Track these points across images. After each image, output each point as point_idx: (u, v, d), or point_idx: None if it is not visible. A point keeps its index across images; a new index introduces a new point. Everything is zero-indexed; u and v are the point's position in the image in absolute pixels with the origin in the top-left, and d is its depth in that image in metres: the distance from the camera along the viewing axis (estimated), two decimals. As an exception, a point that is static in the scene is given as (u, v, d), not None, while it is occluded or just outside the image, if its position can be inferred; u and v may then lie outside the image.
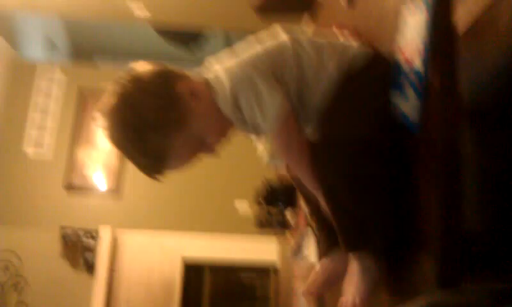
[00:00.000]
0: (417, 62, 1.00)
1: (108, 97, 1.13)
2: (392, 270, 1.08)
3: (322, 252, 1.35)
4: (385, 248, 1.06)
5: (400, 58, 1.08)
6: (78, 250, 5.17)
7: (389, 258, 1.07)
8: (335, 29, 1.43)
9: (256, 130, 1.18)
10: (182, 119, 1.12)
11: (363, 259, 1.09)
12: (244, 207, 5.21)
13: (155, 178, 1.19)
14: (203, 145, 1.19)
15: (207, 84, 1.17)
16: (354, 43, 1.22)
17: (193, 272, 5.33)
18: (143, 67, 1.16)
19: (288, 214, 2.60)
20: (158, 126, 1.11)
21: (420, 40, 0.99)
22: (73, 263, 5.18)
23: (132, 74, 1.14)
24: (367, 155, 1.04)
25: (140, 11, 5.03)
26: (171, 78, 1.15)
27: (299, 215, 2.38)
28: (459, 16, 1.03)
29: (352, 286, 1.10)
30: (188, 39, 6.30)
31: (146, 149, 1.12)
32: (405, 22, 1.07)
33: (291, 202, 2.53)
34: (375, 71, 1.15)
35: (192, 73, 1.21)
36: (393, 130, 1.07)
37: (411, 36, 1.04)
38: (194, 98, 1.14)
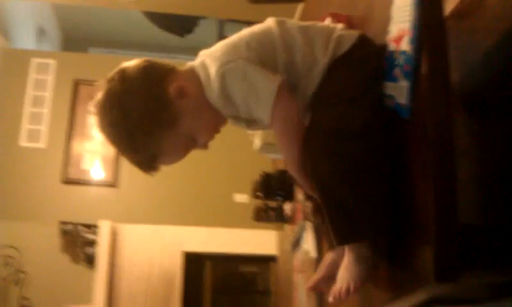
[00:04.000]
0: (404, 43, 0.97)
1: (99, 96, 1.14)
2: (388, 262, 1.05)
3: (329, 246, 1.32)
4: (380, 237, 1.03)
5: (388, 39, 1.05)
6: (78, 244, 5.18)
7: (385, 248, 1.04)
8: (328, 19, 1.40)
9: (249, 118, 1.17)
10: (170, 121, 1.13)
11: (358, 248, 1.05)
12: (243, 200, 5.20)
13: (149, 174, 1.21)
14: (195, 141, 1.20)
15: (196, 77, 1.16)
16: (339, 26, 1.20)
17: (194, 265, 5.34)
18: (132, 66, 1.16)
19: (287, 207, 2.58)
20: (147, 128, 1.12)
21: (408, 21, 0.96)
22: (74, 258, 5.19)
23: (121, 74, 1.14)
24: (358, 141, 1.01)
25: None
26: (159, 77, 1.14)
27: (297, 208, 2.37)
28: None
29: (346, 274, 1.08)
30: (181, 27, 6.27)
31: (137, 149, 1.14)
32: (393, 2, 1.04)
33: (289, 195, 2.51)
34: (361, 52, 1.13)
35: (184, 67, 1.20)
36: (384, 115, 1.04)
37: (398, 16, 1.02)
38: (183, 98, 1.14)
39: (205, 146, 1.22)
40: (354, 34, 1.16)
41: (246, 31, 1.17)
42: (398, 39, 1.01)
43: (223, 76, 1.09)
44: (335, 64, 1.12)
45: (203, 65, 1.15)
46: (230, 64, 1.09)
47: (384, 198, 1.01)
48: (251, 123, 1.20)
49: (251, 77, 1.08)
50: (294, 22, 1.20)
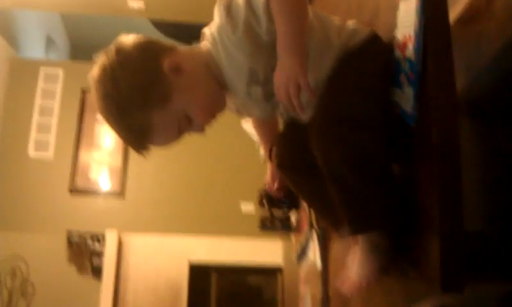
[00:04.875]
0: (409, 50, 0.96)
1: (95, 68, 1.12)
2: (393, 269, 1.05)
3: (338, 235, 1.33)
4: (391, 226, 1.01)
5: (395, 45, 1.05)
6: (84, 254, 5.17)
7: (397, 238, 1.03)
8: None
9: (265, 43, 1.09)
10: (162, 95, 1.10)
11: (372, 237, 1.04)
12: (250, 209, 5.18)
13: (141, 153, 1.17)
14: (190, 122, 1.16)
15: (199, 53, 1.15)
16: (351, 21, 1.19)
17: (200, 275, 5.32)
18: (130, 39, 1.14)
19: (292, 216, 2.56)
20: (138, 102, 1.09)
21: (412, 27, 0.95)
22: (80, 268, 5.17)
23: (117, 47, 1.12)
24: (368, 131, 0.99)
25: (137, 4, 5.08)
26: (155, 52, 1.13)
27: (303, 217, 2.35)
28: (452, 1, 0.98)
29: (357, 264, 1.07)
30: (188, 34, 6.28)
31: (129, 124, 1.11)
32: (398, 9, 1.04)
33: (295, 204, 2.48)
34: (374, 46, 1.13)
35: (186, 47, 1.18)
36: (392, 110, 1.04)
37: (403, 23, 1.01)
38: (178, 73, 1.11)
39: (200, 128, 1.18)
40: (367, 29, 1.16)
41: None
42: (403, 46, 1.01)
43: (229, 4, 1.06)
44: (348, 54, 1.11)
45: (207, 36, 1.14)
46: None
47: (393, 188, 1.00)
48: (268, 80, 1.13)
49: None
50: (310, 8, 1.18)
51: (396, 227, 1.01)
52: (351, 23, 1.18)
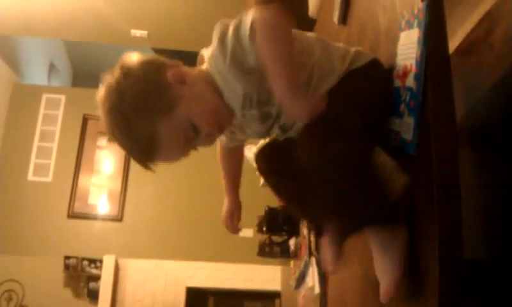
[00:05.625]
0: (410, 79, 0.97)
1: (101, 89, 1.13)
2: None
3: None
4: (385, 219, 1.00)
5: (395, 75, 1.06)
6: (81, 279, 5.14)
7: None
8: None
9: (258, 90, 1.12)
10: (167, 105, 1.10)
11: (378, 236, 1.02)
12: (248, 235, 5.16)
13: (148, 168, 1.16)
14: (197, 133, 1.14)
15: (202, 72, 1.17)
16: (355, 47, 1.22)
17: (197, 299, 5.28)
18: (133, 56, 1.15)
19: (291, 243, 2.55)
20: (144, 111, 1.09)
21: (413, 57, 0.97)
22: (77, 293, 5.14)
23: (122, 63, 1.13)
24: (358, 142, 0.99)
25: (140, 33, 5.12)
26: (159, 65, 1.14)
27: (303, 244, 2.34)
28: (452, 31, 1.00)
29: (381, 271, 1.03)
30: (191, 63, 6.30)
31: (135, 135, 1.10)
32: (398, 40, 1.06)
33: (294, 231, 2.49)
34: (375, 71, 1.15)
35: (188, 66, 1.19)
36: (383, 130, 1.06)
37: (403, 53, 1.02)
38: (183, 83, 1.12)
39: (208, 140, 1.18)
40: (370, 54, 1.19)
41: None
42: (403, 76, 1.02)
43: (223, 32, 1.08)
44: (349, 74, 1.14)
45: (206, 58, 1.16)
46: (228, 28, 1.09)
47: (378, 192, 1.00)
48: (262, 102, 1.15)
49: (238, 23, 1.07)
50: (314, 34, 1.22)
51: (389, 219, 1.00)
52: (354, 48, 1.21)
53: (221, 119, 1.19)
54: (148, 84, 1.10)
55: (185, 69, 1.17)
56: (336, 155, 0.97)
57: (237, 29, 1.06)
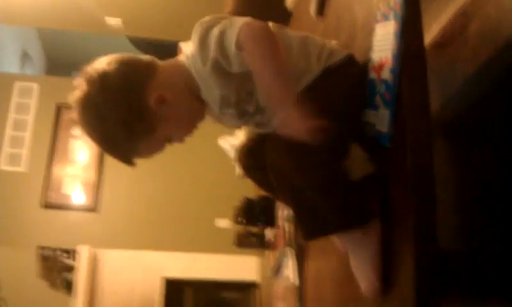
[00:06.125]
0: (385, 72, 0.98)
1: (76, 95, 1.13)
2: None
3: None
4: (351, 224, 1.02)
5: (370, 67, 1.06)
6: (57, 270, 5.09)
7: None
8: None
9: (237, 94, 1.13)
10: (147, 129, 1.13)
11: (347, 237, 1.04)
12: (225, 225, 5.17)
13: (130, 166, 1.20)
14: (171, 139, 1.20)
15: (179, 70, 1.16)
16: (333, 41, 1.22)
17: (174, 290, 5.27)
18: (112, 71, 1.13)
19: (268, 233, 2.56)
20: (124, 137, 1.13)
21: (389, 50, 0.97)
22: (52, 284, 5.09)
23: (101, 79, 1.12)
24: (325, 153, 0.99)
25: (114, 21, 5.07)
26: (139, 87, 1.12)
27: (279, 234, 2.35)
28: (427, 25, 1.01)
29: (356, 272, 1.05)
30: (166, 52, 6.27)
31: (114, 150, 1.16)
32: (374, 32, 1.06)
33: (271, 221, 2.49)
34: (348, 68, 1.15)
35: (165, 62, 1.19)
36: (358, 134, 1.05)
37: (379, 45, 1.03)
38: (163, 104, 1.13)
39: (181, 140, 1.21)
40: (344, 51, 1.19)
41: None
42: (379, 68, 1.03)
43: (203, 35, 1.08)
44: (324, 72, 1.13)
45: (185, 54, 1.15)
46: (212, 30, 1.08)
47: (344, 192, 1.01)
48: (241, 101, 1.16)
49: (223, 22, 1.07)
50: (292, 30, 1.22)
51: (354, 224, 1.01)
52: (330, 44, 1.21)
53: (197, 123, 1.22)
54: (129, 112, 1.11)
55: (163, 77, 1.16)
56: (306, 163, 0.98)
57: (221, 37, 1.05)
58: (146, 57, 1.18)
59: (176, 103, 1.15)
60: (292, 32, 1.20)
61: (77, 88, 1.14)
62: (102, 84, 1.12)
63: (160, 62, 1.18)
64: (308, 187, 1.01)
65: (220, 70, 1.09)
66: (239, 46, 1.03)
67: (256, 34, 1.04)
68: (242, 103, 1.16)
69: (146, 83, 1.13)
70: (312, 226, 1.06)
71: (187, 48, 1.16)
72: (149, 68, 1.16)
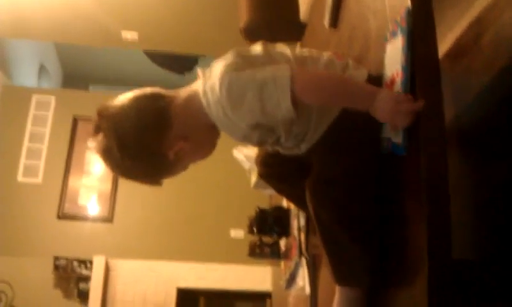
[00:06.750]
0: (397, 84, 0.99)
1: (96, 144, 1.15)
2: (382, 302, 1.05)
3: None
4: (373, 281, 1.05)
5: (383, 85, 1.07)
6: (71, 280, 5.11)
7: (378, 289, 1.05)
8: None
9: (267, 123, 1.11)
10: (169, 170, 1.20)
11: (348, 291, 1.08)
12: (239, 236, 5.17)
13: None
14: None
15: (196, 102, 1.12)
16: (350, 62, 1.18)
17: (188, 300, 5.27)
18: (129, 116, 1.12)
19: (282, 243, 2.56)
20: (147, 180, 1.23)
21: (399, 63, 0.98)
22: (67, 293, 5.11)
23: (115, 130, 1.12)
24: (358, 193, 1.04)
25: (131, 35, 5.12)
26: (156, 141, 1.13)
27: (293, 244, 2.35)
28: (441, 35, 1.01)
29: None
30: (181, 65, 6.33)
31: (140, 182, 1.23)
32: (385, 52, 1.07)
33: (285, 231, 2.49)
34: None
35: (183, 94, 1.17)
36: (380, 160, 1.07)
37: (390, 63, 1.04)
38: (182, 150, 1.15)
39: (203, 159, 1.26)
40: (363, 70, 1.15)
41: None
42: (391, 84, 1.03)
43: (229, 87, 1.03)
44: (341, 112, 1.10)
45: (205, 92, 1.10)
46: (232, 74, 1.04)
47: (377, 247, 1.04)
48: (262, 137, 1.16)
49: (258, 76, 1.03)
50: (316, 53, 1.19)
51: (372, 285, 1.05)
52: (350, 65, 1.17)
53: (216, 141, 1.23)
54: (150, 167, 1.18)
55: (183, 119, 1.14)
56: (338, 212, 1.04)
57: (263, 103, 1.02)
58: (158, 100, 1.14)
59: (194, 142, 1.17)
60: (318, 57, 1.16)
61: (93, 134, 1.16)
62: (120, 142, 1.12)
63: (174, 100, 1.15)
64: (347, 239, 1.04)
65: (257, 126, 1.10)
66: (295, 103, 1.01)
67: (307, 86, 1.04)
68: (263, 137, 1.17)
69: (164, 136, 1.13)
70: (346, 274, 1.08)
71: (203, 79, 1.12)
72: (163, 116, 1.13)
